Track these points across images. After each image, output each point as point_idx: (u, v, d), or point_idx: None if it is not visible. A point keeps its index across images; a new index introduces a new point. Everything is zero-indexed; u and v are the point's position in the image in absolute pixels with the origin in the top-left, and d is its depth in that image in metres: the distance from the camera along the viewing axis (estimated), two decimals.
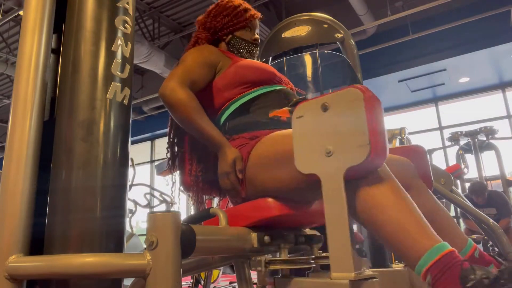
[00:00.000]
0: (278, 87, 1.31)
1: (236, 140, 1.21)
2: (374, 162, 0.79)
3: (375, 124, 0.79)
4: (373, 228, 0.84)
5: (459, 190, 3.90)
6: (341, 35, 2.30)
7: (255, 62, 1.36)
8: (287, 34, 2.35)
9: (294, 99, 1.28)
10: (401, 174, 0.92)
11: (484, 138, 4.61)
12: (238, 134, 1.23)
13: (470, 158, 4.60)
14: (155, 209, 4.12)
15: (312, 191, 1.03)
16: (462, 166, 4.33)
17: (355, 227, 2.39)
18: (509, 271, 0.89)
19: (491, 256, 1.19)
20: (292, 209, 1.06)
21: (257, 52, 1.46)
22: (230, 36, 1.42)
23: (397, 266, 1.51)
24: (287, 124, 1.20)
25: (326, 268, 1.22)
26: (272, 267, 0.99)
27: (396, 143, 4.45)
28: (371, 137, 0.77)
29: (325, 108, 0.83)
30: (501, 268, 1.04)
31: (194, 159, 1.33)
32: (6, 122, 9.83)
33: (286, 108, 1.24)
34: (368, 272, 0.81)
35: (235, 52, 1.42)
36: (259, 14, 1.46)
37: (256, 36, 1.45)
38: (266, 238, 1.01)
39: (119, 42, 0.98)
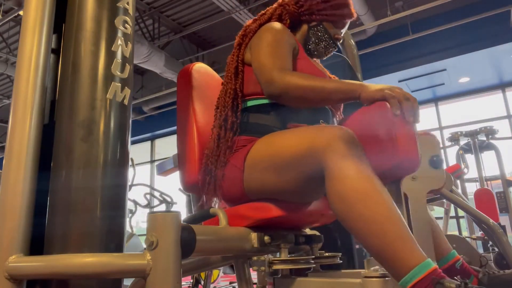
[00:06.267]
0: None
1: (237, 140, 1.17)
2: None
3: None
4: (360, 237, 0.85)
5: (459, 190, 3.89)
6: None
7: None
8: None
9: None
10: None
11: (484, 138, 4.60)
12: (241, 135, 1.18)
13: (470, 158, 4.59)
14: (155, 209, 4.11)
15: (311, 193, 1.04)
16: (462, 166, 4.31)
17: None
18: (489, 277, 1.04)
19: (473, 269, 1.23)
20: (292, 209, 1.06)
21: (332, 52, 1.38)
22: (317, 22, 1.32)
23: None
24: None
25: (326, 268, 1.22)
26: (275, 267, 0.99)
27: None
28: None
29: None
30: (479, 276, 1.11)
31: (200, 159, 1.30)
32: (6, 122, 9.83)
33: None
34: None
35: (313, 39, 1.32)
36: (355, 15, 1.35)
37: (339, 36, 1.35)
38: (266, 238, 1.01)
39: (119, 42, 0.98)
